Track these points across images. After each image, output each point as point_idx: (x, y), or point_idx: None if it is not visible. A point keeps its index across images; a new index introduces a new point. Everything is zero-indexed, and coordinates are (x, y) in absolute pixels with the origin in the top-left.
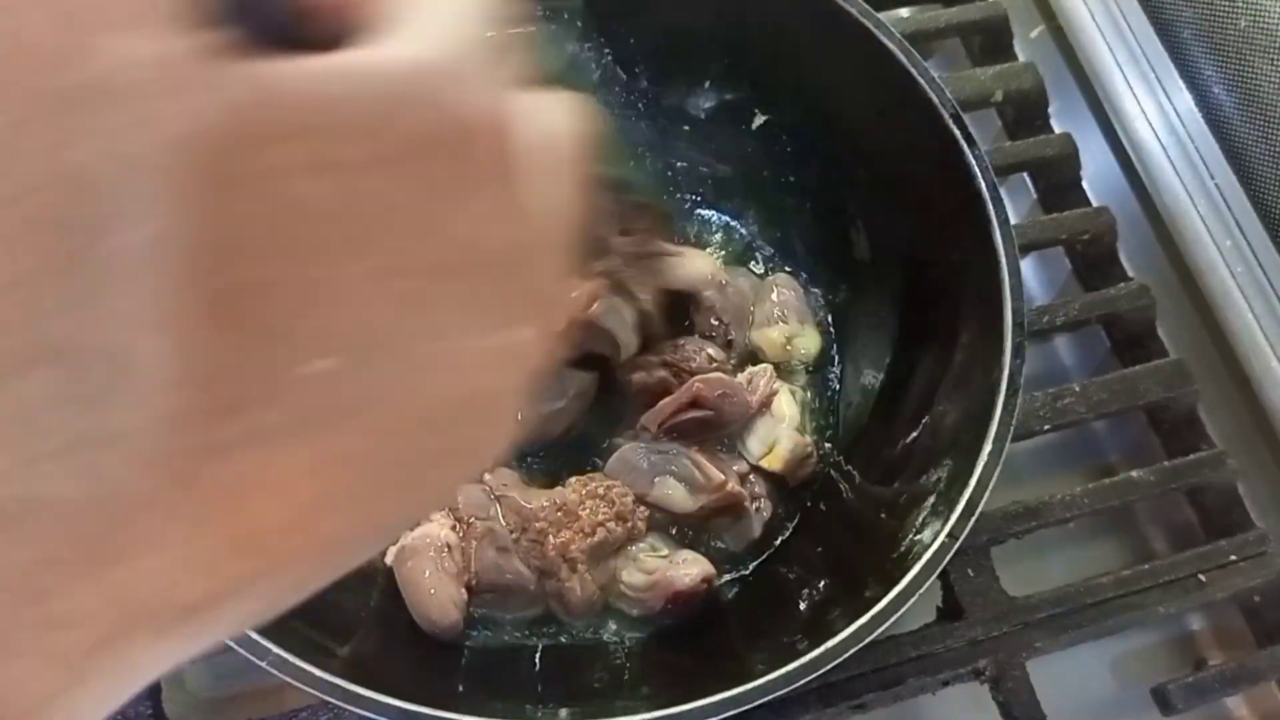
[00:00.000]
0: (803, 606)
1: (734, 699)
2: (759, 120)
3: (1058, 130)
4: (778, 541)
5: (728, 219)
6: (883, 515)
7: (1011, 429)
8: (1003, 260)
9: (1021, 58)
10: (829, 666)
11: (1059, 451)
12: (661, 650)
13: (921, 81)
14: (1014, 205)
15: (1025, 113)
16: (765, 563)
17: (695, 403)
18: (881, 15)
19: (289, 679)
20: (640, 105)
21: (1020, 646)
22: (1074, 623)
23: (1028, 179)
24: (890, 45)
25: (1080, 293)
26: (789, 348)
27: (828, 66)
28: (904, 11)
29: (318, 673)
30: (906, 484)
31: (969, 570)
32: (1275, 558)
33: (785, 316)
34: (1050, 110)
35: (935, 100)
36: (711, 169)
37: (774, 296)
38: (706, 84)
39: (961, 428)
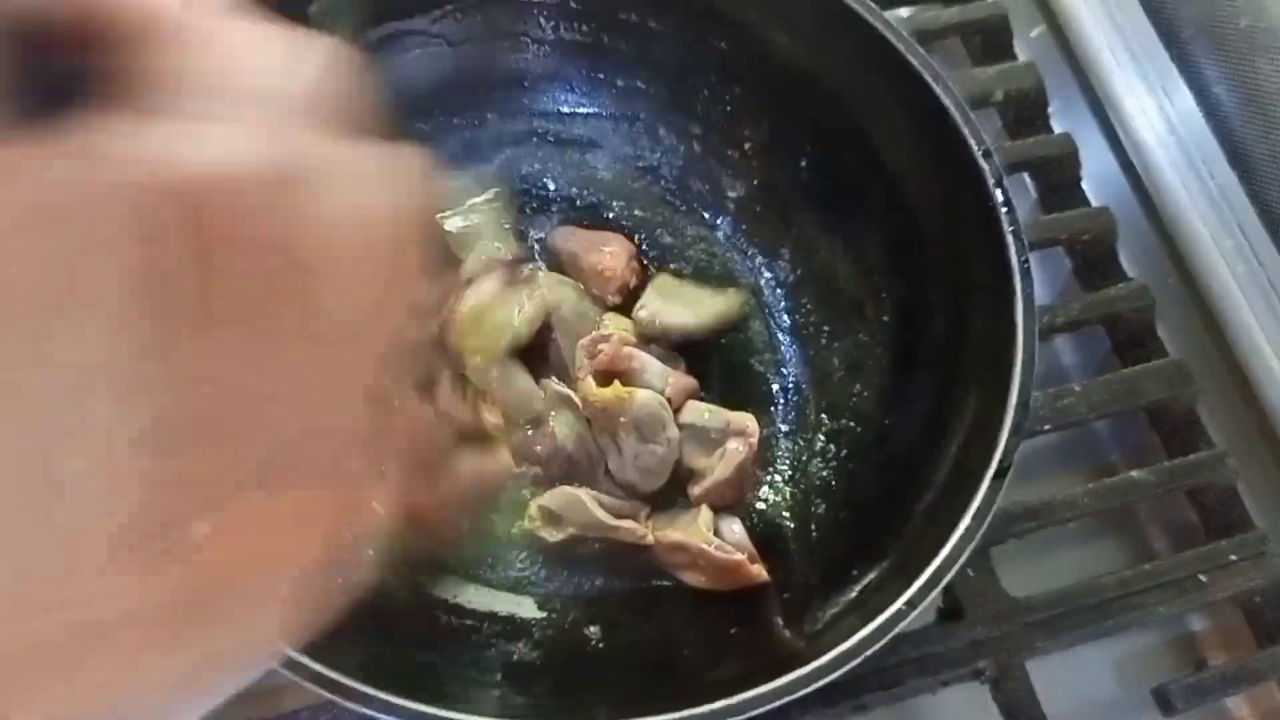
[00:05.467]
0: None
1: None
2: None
3: (1058, 130)
4: None
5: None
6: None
7: (991, 513)
8: (1019, 338)
9: (1021, 58)
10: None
11: (1059, 451)
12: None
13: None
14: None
15: (1025, 113)
16: None
17: None
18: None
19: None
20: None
21: (1020, 647)
22: (1074, 623)
23: (1028, 179)
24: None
25: (1080, 293)
26: None
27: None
28: (904, 11)
29: (328, 672)
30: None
31: (969, 570)
32: (1275, 558)
33: None
34: (1050, 110)
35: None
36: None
37: None
38: None
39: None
